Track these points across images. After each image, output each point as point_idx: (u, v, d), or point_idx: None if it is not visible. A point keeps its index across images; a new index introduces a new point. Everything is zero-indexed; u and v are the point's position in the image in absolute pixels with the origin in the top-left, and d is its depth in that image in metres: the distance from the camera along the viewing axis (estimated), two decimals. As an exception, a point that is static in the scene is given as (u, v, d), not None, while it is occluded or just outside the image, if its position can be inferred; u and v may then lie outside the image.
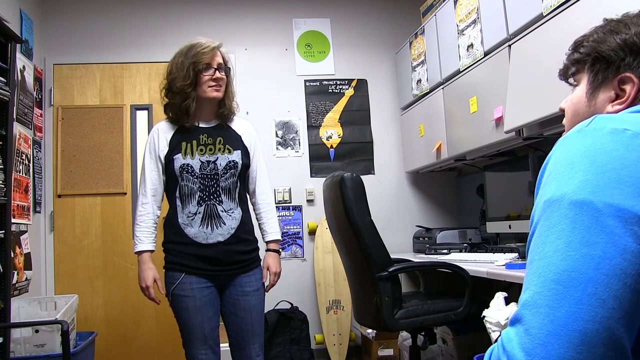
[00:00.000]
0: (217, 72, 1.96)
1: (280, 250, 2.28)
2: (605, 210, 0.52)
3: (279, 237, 2.09)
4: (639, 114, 0.65)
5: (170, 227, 1.95)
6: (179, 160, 1.92)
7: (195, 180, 1.92)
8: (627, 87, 0.73)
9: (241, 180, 2.00)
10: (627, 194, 0.52)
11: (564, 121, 0.86)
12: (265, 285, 2.05)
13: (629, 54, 0.74)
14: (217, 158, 1.95)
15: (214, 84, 1.96)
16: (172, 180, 1.95)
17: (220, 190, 1.93)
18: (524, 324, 0.53)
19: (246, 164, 2.02)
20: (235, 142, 2.02)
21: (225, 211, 1.92)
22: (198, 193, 1.91)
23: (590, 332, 0.49)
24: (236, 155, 1.98)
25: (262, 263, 2.07)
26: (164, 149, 1.96)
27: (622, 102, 0.73)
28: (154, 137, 1.99)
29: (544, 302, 0.52)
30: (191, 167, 1.92)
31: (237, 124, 2.12)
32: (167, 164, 1.95)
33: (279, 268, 2.06)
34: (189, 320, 1.91)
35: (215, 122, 2.04)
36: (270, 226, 2.08)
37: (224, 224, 1.91)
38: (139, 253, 1.95)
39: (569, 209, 0.54)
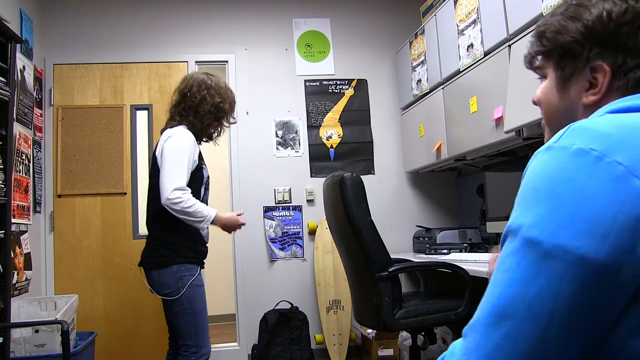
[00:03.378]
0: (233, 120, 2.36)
1: None
2: (552, 252, 0.51)
3: None
4: (614, 116, 0.61)
5: (190, 226, 2.07)
6: (206, 171, 2.22)
7: (207, 191, 2.24)
8: (599, 77, 0.69)
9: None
10: (577, 232, 0.51)
11: (541, 115, 0.82)
12: None
13: (594, 43, 0.69)
14: (208, 172, 2.26)
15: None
16: (196, 186, 2.12)
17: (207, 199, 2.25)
18: (466, 343, 0.57)
19: None
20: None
21: None
22: (206, 201, 2.23)
23: None
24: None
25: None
26: (196, 157, 2.14)
27: (597, 92, 0.70)
28: (193, 142, 2.13)
29: (480, 328, 0.56)
30: (209, 178, 2.26)
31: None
32: (196, 172, 2.12)
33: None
34: (203, 308, 2.07)
35: None
36: None
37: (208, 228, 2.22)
38: (215, 216, 2.08)
39: (520, 244, 0.54)
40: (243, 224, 2.23)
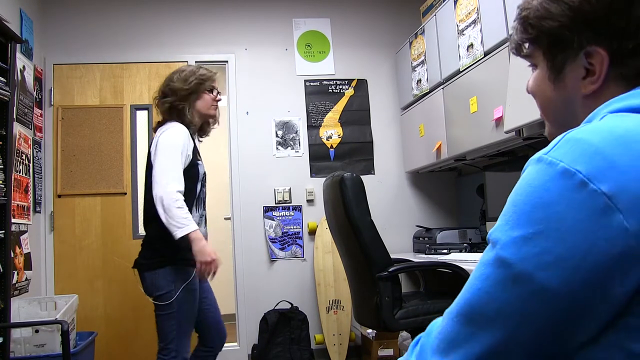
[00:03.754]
0: (218, 94, 2.23)
1: None
2: (519, 276, 0.51)
3: None
4: (613, 121, 0.56)
5: None
6: (202, 167, 2.16)
7: (204, 188, 2.18)
8: (596, 62, 0.63)
9: None
10: (546, 263, 0.50)
11: (538, 106, 0.75)
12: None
13: (584, 26, 0.62)
14: (204, 168, 2.20)
15: (215, 104, 2.22)
16: (191, 183, 2.04)
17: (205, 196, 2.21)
18: (441, 327, 0.59)
19: None
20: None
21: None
22: (204, 198, 2.18)
23: None
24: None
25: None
26: (190, 152, 2.08)
27: (595, 80, 0.63)
28: (186, 137, 2.07)
29: (451, 320, 0.58)
30: (205, 175, 2.19)
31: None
32: (190, 168, 2.06)
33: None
34: (193, 313, 2.03)
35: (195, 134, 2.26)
36: None
37: (206, 226, 2.22)
38: (194, 232, 1.92)
39: (494, 259, 0.54)
40: (214, 267, 1.96)
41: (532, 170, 0.55)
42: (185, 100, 2.12)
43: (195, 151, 2.13)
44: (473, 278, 0.57)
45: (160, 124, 2.15)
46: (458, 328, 0.56)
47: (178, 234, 1.89)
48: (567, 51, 0.65)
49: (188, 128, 2.11)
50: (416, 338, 0.65)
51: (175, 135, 2.04)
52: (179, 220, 1.89)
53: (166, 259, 1.98)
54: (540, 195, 0.52)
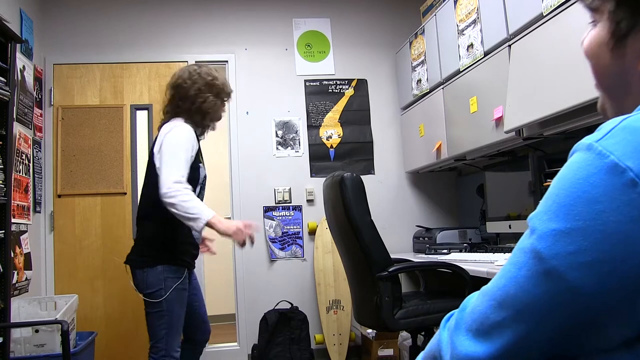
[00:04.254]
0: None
1: None
2: (551, 273, 0.49)
3: None
4: None
5: (182, 227, 1.97)
6: (203, 170, 2.15)
7: (202, 190, 2.18)
8: None
9: None
10: (580, 263, 0.48)
11: (589, 64, 0.64)
12: None
13: None
14: (205, 171, 2.19)
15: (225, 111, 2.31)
16: (192, 185, 1.99)
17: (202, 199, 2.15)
18: (473, 307, 0.58)
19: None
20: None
21: None
22: (201, 200, 2.11)
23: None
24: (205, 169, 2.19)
25: None
26: (194, 154, 2.05)
27: None
28: (193, 137, 2.06)
29: (483, 303, 0.56)
30: (205, 178, 2.18)
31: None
32: (191, 170, 2.01)
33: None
34: (182, 313, 2.03)
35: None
36: None
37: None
38: (211, 218, 1.89)
39: (529, 249, 0.52)
40: (247, 232, 1.95)
41: (579, 159, 0.51)
42: (204, 101, 2.12)
43: (199, 153, 2.13)
44: (510, 263, 0.55)
45: (165, 120, 2.13)
46: (490, 312, 0.54)
47: (196, 225, 1.87)
48: (635, 18, 0.56)
49: (196, 128, 2.11)
50: (450, 313, 0.64)
51: (182, 134, 2.01)
52: (191, 213, 1.86)
53: (159, 258, 1.98)
54: (584, 189, 0.49)
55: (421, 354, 0.67)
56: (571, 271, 0.48)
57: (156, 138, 2.09)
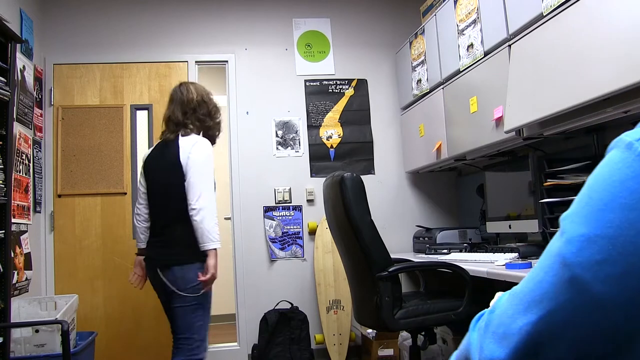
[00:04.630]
0: None
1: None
2: (576, 281, 0.47)
3: None
4: None
5: None
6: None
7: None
8: None
9: None
10: (607, 275, 0.45)
11: None
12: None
13: None
14: None
15: None
16: None
17: None
18: (503, 307, 0.56)
19: None
20: None
21: None
22: None
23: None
24: None
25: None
26: None
27: None
28: (212, 151, 2.28)
29: (513, 305, 0.54)
30: (215, 184, 2.32)
31: None
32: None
33: None
34: (210, 306, 2.23)
35: None
36: None
37: None
38: (218, 249, 2.16)
39: (557, 252, 0.49)
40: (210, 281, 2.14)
41: (617, 158, 0.47)
42: (219, 117, 2.39)
43: None
44: (539, 265, 0.53)
45: (183, 134, 2.25)
46: (515, 316, 0.52)
47: (209, 246, 2.10)
48: None
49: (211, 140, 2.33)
50: (480, 313, 0.62)
51: (210, 150, 2.23)
52: (214, 235, 2.12)
53: (195, 256, 2.12)
54: (619, 193, 0.45)
55: (454, 354, 0.64)
56: (596, 282, 0.45)
57: (175, 147, 2.21)
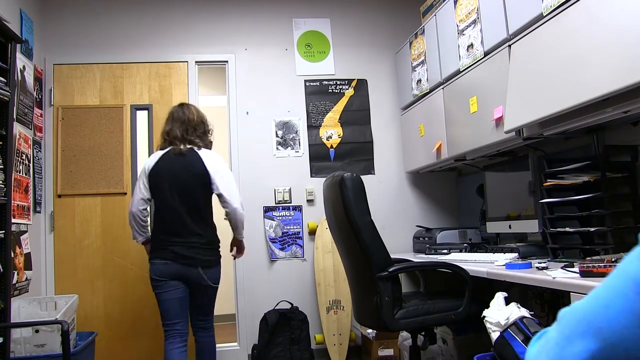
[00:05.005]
0: None
1: None
2: None
3: None
4: None
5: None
6: None
7: None
8: None
9: None
10: None
11: None
12: None
13: None
14: None
15: None
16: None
17: None
18: (552, 334, 0.52)
19: None
20: None
21: None
22: None
23: None
24: None
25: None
26: None
27: None
28: None
29: (565, 328, 0.50)
30: None
31: None
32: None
33: None
34: None
35: None
36: None
37: None
38: None
39: (635, 276, 0.43)
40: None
41: None
42: (211, 139, 2.72)
43: None
44: (609, 285, 0.47)
45: (198, 148, 2.56)
46: (572, 337, 0.48)
47: (242, 236, 2.74)
48: None
49: None
50: (543, 330, 0.57)
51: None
52: (243, 228, 2.69)
53: (219, 255, 2.60)
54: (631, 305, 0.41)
55: None
56: None
57: (198, 158, 2.50)
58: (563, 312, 0.53)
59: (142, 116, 3.45)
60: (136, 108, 3.44)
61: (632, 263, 0.43)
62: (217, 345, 3.44)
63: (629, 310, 0.42)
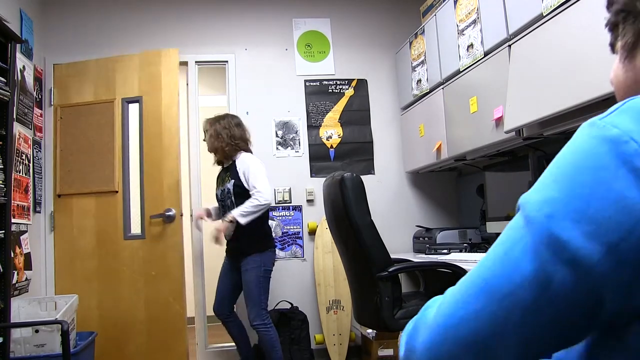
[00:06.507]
0: None
1: (232, 220, 2.72)
2: (549, 242, 0.46)
3: (234, 216, 2.70)
4: None
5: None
6: (216, 190, 3.04)
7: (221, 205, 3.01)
8: None
9: (236, 197, 2.83)
10: (583, 232, 0.45)
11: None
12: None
13: None
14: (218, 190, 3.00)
15: None
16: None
17: (227, 208, 2.88)
18: (443, 303, 0.55)
19: (238, 186, 2.84)
20: (234, 174, 2.88)
21: None
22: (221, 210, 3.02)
23: (469, 341, 0.50)
24: (230, 184, 2.86)
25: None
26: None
27: None
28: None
29: (459, 293, 0.53)
30: (217, 196, 3.01)
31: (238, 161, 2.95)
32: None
33: (220, 227, 2.75)
34: None
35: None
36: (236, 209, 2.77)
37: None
38: None
39: (524, 222, 0.49)
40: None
41: (581, 134, 0.50)
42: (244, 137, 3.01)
43: (218, 177, 3.06)
44: (494, 247, 0.52)
45: (231, 156, 2.92)
46: (469, 304, 0.52)
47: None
48: (637, 25, 0.58)
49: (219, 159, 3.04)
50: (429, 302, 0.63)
51: (250, 159, 2.90)
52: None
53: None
54: (584, 161, 0.47)
55: None
56: (575, 239, 0.45)
57: (235, 167, 2.86)
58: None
59: (133, 109, 3.32)
60: (127, 101, 3.33)
61: (516, 220, 0.51)
62: (217, 345, 3.46)
63: (526, 249, 0.48)
